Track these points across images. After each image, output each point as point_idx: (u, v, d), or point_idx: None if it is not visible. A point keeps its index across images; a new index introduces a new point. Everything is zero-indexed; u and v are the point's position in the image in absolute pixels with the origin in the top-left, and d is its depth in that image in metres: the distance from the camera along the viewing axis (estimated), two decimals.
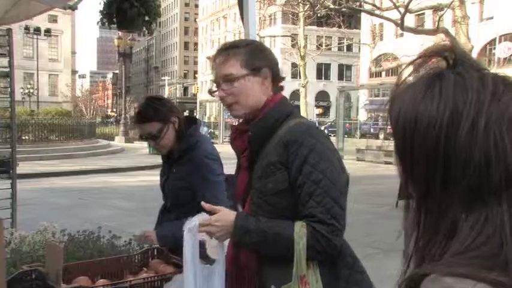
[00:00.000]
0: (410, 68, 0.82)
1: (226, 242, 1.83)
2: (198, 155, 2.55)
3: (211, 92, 1.88)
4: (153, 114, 2.57)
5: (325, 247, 1.63)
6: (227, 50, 1.81)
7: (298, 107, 26.54)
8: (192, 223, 1.74)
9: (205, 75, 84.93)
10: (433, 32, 16.47)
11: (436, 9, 18.60)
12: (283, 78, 1.89)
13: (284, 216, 1.69)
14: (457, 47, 0.79)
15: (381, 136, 28.17)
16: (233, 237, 1.71)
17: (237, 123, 1.97)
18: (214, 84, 1.87)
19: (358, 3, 20.33)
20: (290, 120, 1.75)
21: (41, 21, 41.06)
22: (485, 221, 0.70)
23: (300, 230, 1.62)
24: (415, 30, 18.12)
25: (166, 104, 2.66)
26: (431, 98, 0.75)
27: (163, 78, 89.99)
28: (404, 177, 0.80)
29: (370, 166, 18.89)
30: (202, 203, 1.77)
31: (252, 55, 1.78)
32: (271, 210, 1.71)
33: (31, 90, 46.94)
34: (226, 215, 1.72)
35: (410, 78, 0.81)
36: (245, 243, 1.72)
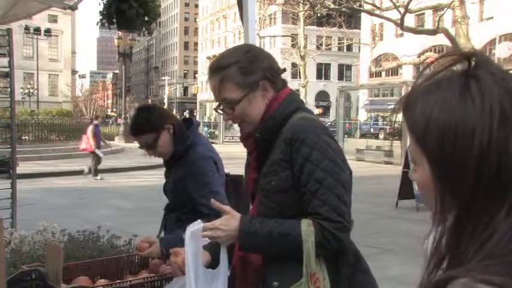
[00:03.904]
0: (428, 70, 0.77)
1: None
2: (190, 157, 2.57)
3: (216, 109, 1.87)
4: (145, 126, 2.60)
5: (333, 244, 1.63)
6: (219, 73, 1.77)
7: None
8: (195, 226, 1.72)
9: (205, 75, 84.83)
10: (433, 32, 16.48)
11: (436, 9, 18.58)
12: (283, 70, 1.86)
13: (288, 214, 1.69)
14: (479, 52, 0.75)
15: (381, 136, 28.16)
16: (238, 241, 1.70)
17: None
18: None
19: (358, 3, 20.31)
20: (294, 115, 1.74)
21: (41, 21, 41.03)
22: None
23: (307, 228, 1.62)
24: (415, 30, 18.13)
25: (156, 113, 2.66)
26: (471, 99, 0.68)
27: (163, 78, 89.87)
28: (441, 188, 0.72)
29: (370, 166, 18.89)
30: (212, 200, 1.76)
31: (244, 72, 1.75)
32: (275, 207, 1.71)
33: (31, 90, 46.90)
34: (231, 219, 1.70)
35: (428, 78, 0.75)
36: (251, 246, 1.72)
